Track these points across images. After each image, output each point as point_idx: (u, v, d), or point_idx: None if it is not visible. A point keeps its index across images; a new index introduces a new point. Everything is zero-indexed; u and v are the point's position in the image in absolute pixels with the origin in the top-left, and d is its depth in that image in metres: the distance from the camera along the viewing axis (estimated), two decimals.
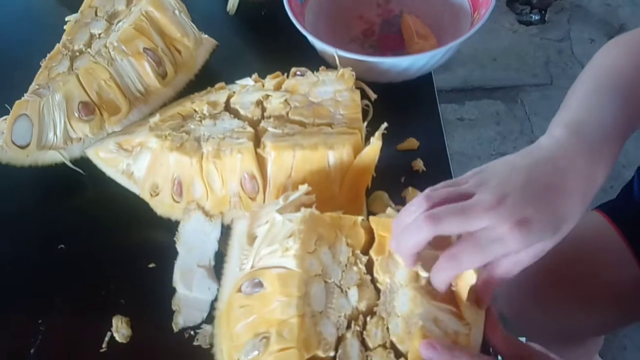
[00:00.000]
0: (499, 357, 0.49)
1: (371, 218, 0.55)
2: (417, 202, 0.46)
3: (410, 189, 0.61)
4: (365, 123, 0.67)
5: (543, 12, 2.07)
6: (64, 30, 0.74)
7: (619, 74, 0.53)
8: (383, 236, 0.54)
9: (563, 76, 1.88)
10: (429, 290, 0.50)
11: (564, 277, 0.80)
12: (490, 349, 0.50)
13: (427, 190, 0.47)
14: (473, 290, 0.49)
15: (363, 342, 0.49)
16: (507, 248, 0.43)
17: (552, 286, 0.82)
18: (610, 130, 0.49)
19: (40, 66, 0.72)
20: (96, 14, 0.75)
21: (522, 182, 0.44)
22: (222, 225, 0.64)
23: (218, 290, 0.59)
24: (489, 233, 0.43)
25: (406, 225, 0.45)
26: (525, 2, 2.09)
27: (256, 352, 0.46)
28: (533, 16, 2.06)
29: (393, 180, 0.68)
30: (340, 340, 0.49)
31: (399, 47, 0.81)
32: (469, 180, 0.47)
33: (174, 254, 0.63)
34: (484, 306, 0.49)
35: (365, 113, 0.70)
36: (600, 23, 2.03)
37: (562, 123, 0.49)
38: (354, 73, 0.68)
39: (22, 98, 0.67)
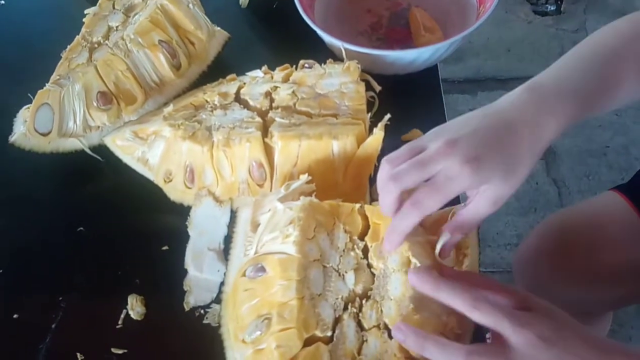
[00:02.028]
0: None
1: (366, 207, 0.58)
2: (382, 167, 0.50)
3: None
4: (370, 114, 0.70)
5: (559, 2, 2.05)
6: (83, 22, 0.77)
7: (602, 49, 0.55)
8: (377, 223, 0.56)
9: None
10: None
11: (580, 251, 0.82)
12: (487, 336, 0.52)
13: (388, 155, 0.51)
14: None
15: (359, 323, 0.52)
16: (461, 185, 0.47)
17: (567, 259, 0.83)
18: (569, 92, 0.51)
19: (60, 57, 0.75)
20: (114, 7, 0.78)
21: (472, 129, 0.49)
22: (232, 211, 0.67)
23: (225, 273, 0.62)
24: (443, 173, 0.47)
25: (379, 188, 0.50)
26: None
27: (259, 332, 0.50)
28: (549, 7, 2.05)
29: None
30: (337, 321, 0.52)
31: (406, 40, 0.82)
32: (425, 139, 0.51)
33: (186, 237, 0.66)
34: (445, 256, 0.53)
35: (370, 104, 0.72)
36: (617, 14, 2.00)
37: (528, 82, 0.52)
38: (359, 65, 0.70)
39: (44, 88, 0.70)
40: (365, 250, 0.56)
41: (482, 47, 1.93)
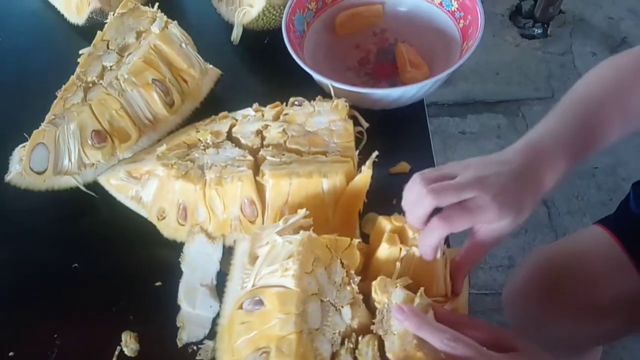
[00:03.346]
0: None
1: (393, 217, 0.61)
2: (415, 182, 0.56)
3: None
4: (358, 150, 0.72)
5: (546, 25, 2.09)
6: (78, 62, 0.79)
7: (588, 100, 0.63)
8: (380, 261, 0.58)
9: (565, 90, 1.86)
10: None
11: (567, 287, 0.83)
12: None
13: (418, 174, 0.56)
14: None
15: (355, 359, 0.53)
16: (488, 215, 0.53)
17: (556, 296, 0.85)
18: (564, 147, 0.59)
19: (56, 96, 0.77)
20: (108, 47, 0.80)
21: (495, 171, 0.55)
22: (224, 247, 0.68)
23: (220, 307, 0.63)
24: (475, 202, 0.53)
25: (412, 200, 0.55)
26: (528, 15, 2.11)
27: None
28: (536, 30, 2.09)
29: (385, 203, 0.72)
30: (334, 356, 0.53)
31: (393, 75, 0.85)
32: (451, 169, 0.57)
33: (179, 273, 0.67)
34: (459, 283, 0.58)
35: (359, 140, 0.74)
36: (603, 37, 2.05)
37: (526, 139, 0.59)
38: (347, 104, 0.72)
39: (40, 127, 0.72)
40: (364, 287, 0.57)
41: (471, 71, 1.96)
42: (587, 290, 0.82)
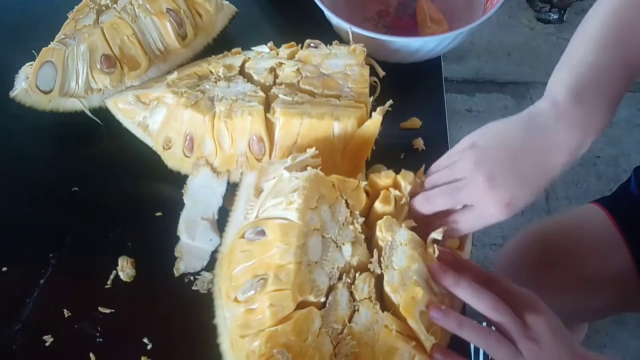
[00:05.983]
0: None
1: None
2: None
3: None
4: (372, 99, 0.70)
5: (562, 11, 2.07)
6: None
7: (619, 18, 0.55)
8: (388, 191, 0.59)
9: None
10: (426, 256, 0.54)
11: (559, 259, 0.84)
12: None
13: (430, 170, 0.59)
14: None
15: (351, 294, 0.53)
16: (472, 192, 0.53)
17: (546, 268, 0.85)
18: (607, 90, 0.52)
19: (67, 17, 0.74)
20: None
21: (510, 161, 0.53)
22: (228, 183, 0.67)
23: (220, 241, 0.63)
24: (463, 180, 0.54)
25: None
26: (546, 0, 2.09)
27: (253, 292, 0.51)
28: (552, 15, 2.06)
29: (393, 156, 0.71)
30: (331, 289, 0.53)
31: (411, 30, 0.83)
32: (462, 156, 0.55)
33: (181, 205, 0.66)
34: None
35: (373, 89, 0.73)
36: None
37: (565, 86, 0.53)
38: (365, 49, 0.70)
39: (49, 45, 0.70)
40: (367, 231, 0.57)
41: (484, 50, 1.94)
42: (579, 264, 0.82)
